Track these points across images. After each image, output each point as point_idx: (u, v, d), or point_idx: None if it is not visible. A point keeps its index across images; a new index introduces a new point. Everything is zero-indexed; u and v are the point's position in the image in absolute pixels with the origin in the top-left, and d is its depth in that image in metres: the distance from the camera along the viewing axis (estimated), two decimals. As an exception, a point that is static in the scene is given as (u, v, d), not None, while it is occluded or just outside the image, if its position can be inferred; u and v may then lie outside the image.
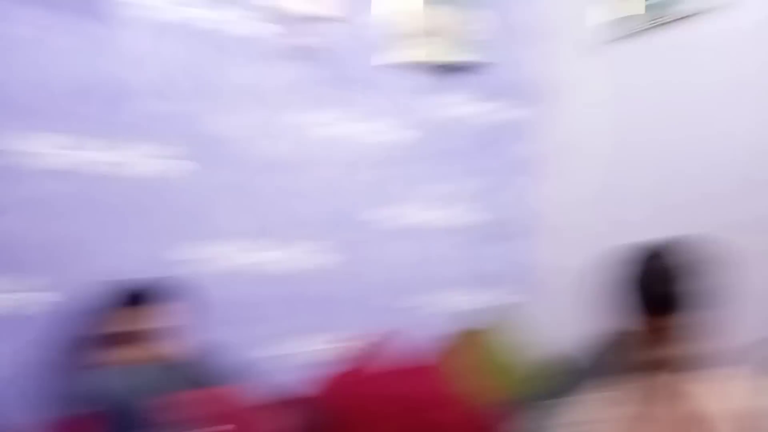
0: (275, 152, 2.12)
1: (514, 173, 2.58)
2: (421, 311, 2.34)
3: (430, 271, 2.39)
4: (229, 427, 1.65)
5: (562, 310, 2.28)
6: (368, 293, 2.23)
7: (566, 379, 1.87)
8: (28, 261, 1.74)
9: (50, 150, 1.77)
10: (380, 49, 2.31)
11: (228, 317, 1.91)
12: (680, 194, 2.08)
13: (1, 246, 1.71)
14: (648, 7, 2.18)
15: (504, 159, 2.56)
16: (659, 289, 1.08)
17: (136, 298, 1.75)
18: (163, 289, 1.78)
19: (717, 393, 1.12)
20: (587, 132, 2.43)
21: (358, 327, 2.09)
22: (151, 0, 1.92)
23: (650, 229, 1.24)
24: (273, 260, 2.10)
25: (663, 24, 2.13)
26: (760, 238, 1.83)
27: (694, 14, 2.05)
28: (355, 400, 1.88)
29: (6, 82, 1.73)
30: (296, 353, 2.10)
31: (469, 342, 2.27)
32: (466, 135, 2.48)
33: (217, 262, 2.00)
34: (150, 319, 1.75)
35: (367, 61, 2.28)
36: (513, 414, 1.92)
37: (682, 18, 2.08)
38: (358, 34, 2.25)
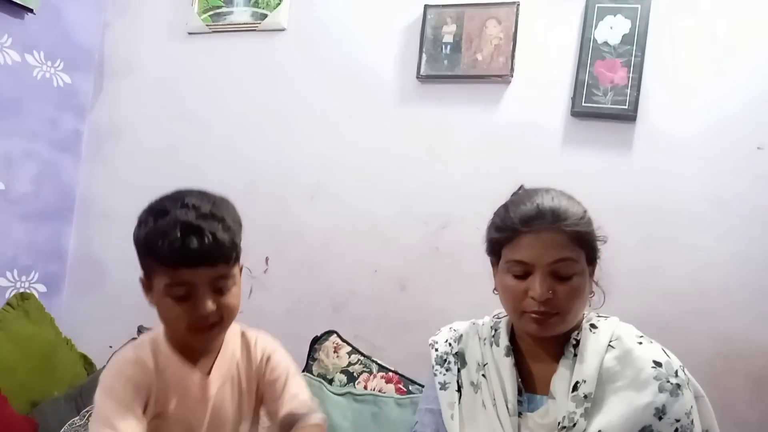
0: None
1: (56, 147, 2.19)
2: None
3: None
4: None
5: (96, 305, 2.17)
6: None
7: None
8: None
9: None
10: None
11: None
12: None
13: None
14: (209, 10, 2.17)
15: (44, 127, 2.14)
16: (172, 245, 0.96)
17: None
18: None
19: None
20: (148, 118, 2.23)
21: None
22: None
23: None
24: None
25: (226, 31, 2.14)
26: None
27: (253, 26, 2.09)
28: None
29: None
30: None
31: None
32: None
33: None
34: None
35: None
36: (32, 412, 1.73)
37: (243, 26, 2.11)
38: None
